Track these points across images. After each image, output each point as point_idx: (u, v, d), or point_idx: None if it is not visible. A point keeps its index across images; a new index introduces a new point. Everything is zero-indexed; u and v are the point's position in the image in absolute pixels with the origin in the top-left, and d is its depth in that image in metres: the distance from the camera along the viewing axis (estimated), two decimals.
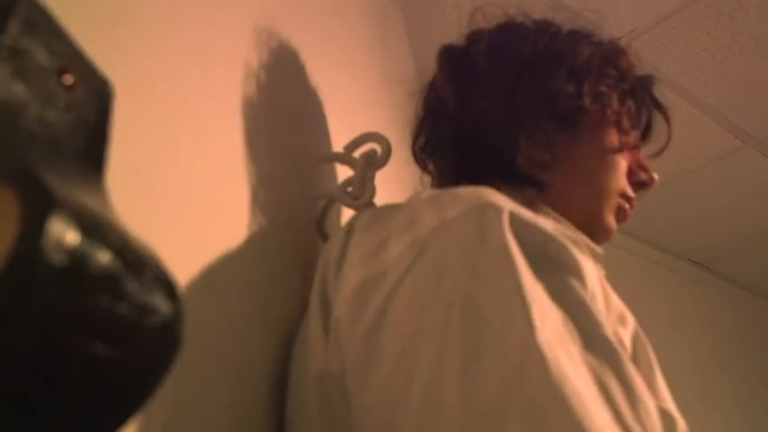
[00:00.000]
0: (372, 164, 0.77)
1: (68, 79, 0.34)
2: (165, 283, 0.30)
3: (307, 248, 0.75)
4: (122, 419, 0.29)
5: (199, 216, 0.54)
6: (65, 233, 0.25)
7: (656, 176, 0.82)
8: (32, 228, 0.25)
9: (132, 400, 0.29)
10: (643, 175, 0.81)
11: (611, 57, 0.78)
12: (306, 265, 0.73)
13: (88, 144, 0.36)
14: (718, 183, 2.28)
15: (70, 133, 0.34)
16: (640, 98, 0.80)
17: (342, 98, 1.05)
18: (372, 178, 0.76)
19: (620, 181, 0.78)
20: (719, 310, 2.74)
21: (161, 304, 0.30)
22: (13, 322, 0.24)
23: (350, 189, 0.77)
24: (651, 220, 2.32)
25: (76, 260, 0.26)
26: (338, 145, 0.84)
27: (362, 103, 1.22)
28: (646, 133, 0.83)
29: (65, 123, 0.34)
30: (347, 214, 0.88)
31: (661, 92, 0.84)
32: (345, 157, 0.79)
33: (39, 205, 0.25)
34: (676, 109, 0.83)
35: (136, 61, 0.48)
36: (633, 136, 0.80)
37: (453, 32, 1.88)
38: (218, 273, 0.54)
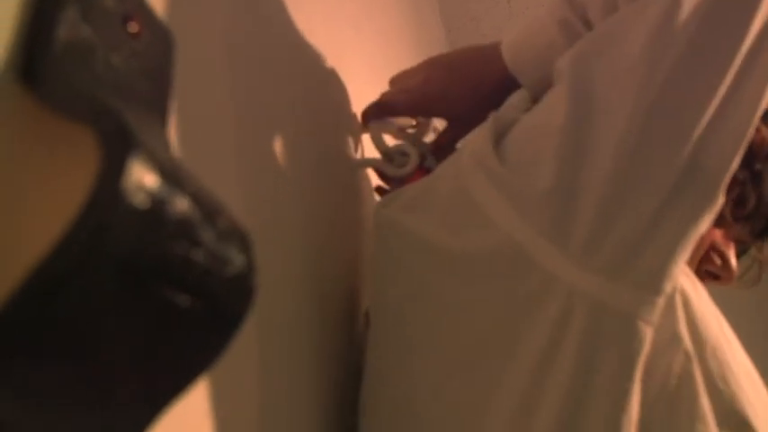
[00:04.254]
0: (415, 134, 0.76)
1: (134, 26, 0.33)
2: (237, 234, 0.29)
3: (350, 215, 0.74)
4: (196, 372, 0.28)
5: (243, 182, 0.53)
6: (145, 175, 0.24)
7: (733, 273, 0.71)
8: (113, 167, 0.24)
9: (206, 352, 0.28)
10: (716, 267, 0.71)
11: None
12: (351, 234, 0.72)
13: (152, 93, 0.35)
14: None
15: (134, 81, 0.33)
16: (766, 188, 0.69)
17: (376, 72, 1.04)
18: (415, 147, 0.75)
19: (691, 261, 0.67)
20: None
21: (235, 255, 0.29)
22: (92, 265, 0.23)
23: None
24: None
25: (156, 203, 0.25)
26: None
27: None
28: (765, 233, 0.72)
29: (130, 70, 0.33)
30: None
31: None
32: (375, 130, 0.77)
33: (119, 145, 0.24)
34: None
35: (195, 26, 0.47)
36: (735, 230, 0.70)
37: (486, 8, 1.85)
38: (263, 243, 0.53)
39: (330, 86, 0.77)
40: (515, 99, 0.63)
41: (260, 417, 0.47)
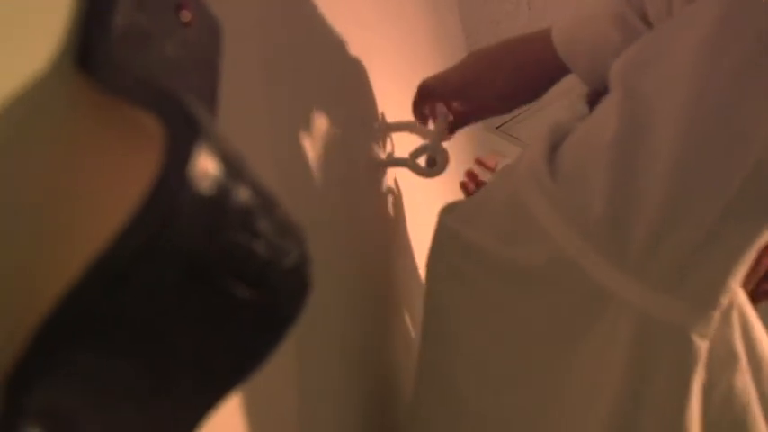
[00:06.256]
0: (444, 133, 0.75)
1: (186, 15, 0.33)
2: (293, 226, 0.29)
3: (372, 212, 0.73)
4: (252, 365, 0.28)
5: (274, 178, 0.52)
6: (210, 162, 0.24)
7: None
8: (180, 153, 0.23)
9: (263, 345, 0.28)
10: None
11: None
12: (378, 231, 0.71)
13: (201, 82, 0.34)
14: None
15: (186, 69, 0.33)
16: None
17: (400, 73, 1.03)
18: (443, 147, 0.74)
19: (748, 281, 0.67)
20: None
21: (292, 247, 0.28)
22: (159, 253, 0.23)
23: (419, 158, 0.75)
24: None
25: (221, 191, 0.24)
26: (396, 116, 0.83)
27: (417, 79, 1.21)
28: None
29: (181, 58, 0.32)
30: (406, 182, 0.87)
31: None
32: (417, 126, 0.77)
33: (185, 131, 0.23)
34: None
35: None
36: None
37: (505, 11, 1.84)
38: None
39: (359, 87, 0.76)
40: (567, 100, 0.62)
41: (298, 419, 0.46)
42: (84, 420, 0.24)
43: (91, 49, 0.27)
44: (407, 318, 0.79)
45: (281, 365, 0.45)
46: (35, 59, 0.25)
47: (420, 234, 0.92)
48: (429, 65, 1.39)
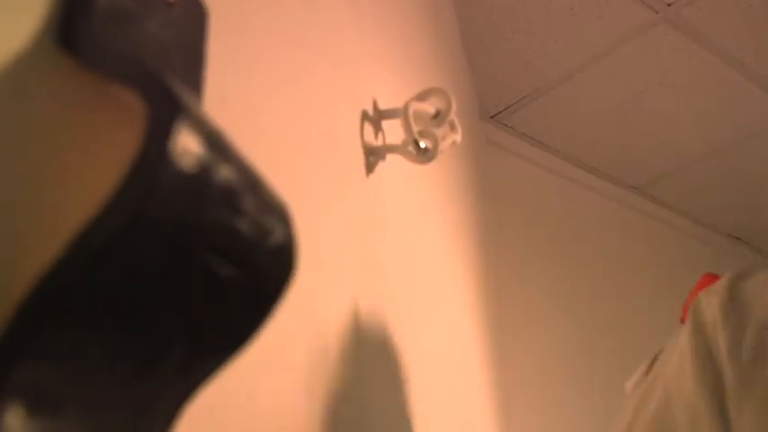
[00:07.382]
0: (437, 120, 0.75)
1: None
2: (278, 206, 0.29)
3: (360, 200, 0.73)
4: (237, 345, 0.28)
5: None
6: (191, 139, 0.24)
7: None
8: (161, 129, 0.23)
9: (247, 324, 0.28)
10: None
11: None
12: (357, 219, 0.71)
13: (185, 65, 0.34)
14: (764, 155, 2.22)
15: (170, 51, 0.32)
16: None
17: (395, 56, 1.03)
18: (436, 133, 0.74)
19: None
20: None
21: (276, 226, 0.28)
22: (140, 228, 0.22)
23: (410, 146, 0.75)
24: (695, 194, 2.27)
25: (202, 168, 0.24)
26: (389, 103, 0.82)
27: (409, 64, 1.21)
28: None
29: (165, 40, 0.32)
30: (393, 169, 0.87)
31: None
32: (409, 113, 0.76)
33: (166, 107, 0.23)
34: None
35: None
36: None
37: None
38: None
39: (354, 72, 0.76)
40: None
41: None
42: (67, 397, 0.24)
43: (73, 27, 0.27)
44: (393, 310, 0.79)
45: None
46: (16, 37, 0.25)
47: (410, 223, 0.92)
48: (422, 50, 1.38)
